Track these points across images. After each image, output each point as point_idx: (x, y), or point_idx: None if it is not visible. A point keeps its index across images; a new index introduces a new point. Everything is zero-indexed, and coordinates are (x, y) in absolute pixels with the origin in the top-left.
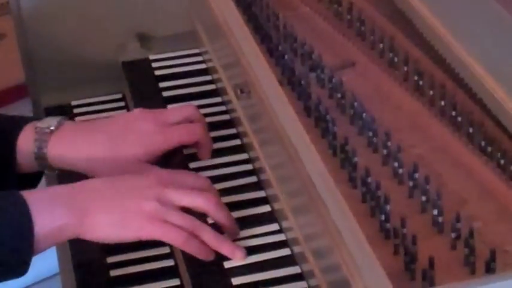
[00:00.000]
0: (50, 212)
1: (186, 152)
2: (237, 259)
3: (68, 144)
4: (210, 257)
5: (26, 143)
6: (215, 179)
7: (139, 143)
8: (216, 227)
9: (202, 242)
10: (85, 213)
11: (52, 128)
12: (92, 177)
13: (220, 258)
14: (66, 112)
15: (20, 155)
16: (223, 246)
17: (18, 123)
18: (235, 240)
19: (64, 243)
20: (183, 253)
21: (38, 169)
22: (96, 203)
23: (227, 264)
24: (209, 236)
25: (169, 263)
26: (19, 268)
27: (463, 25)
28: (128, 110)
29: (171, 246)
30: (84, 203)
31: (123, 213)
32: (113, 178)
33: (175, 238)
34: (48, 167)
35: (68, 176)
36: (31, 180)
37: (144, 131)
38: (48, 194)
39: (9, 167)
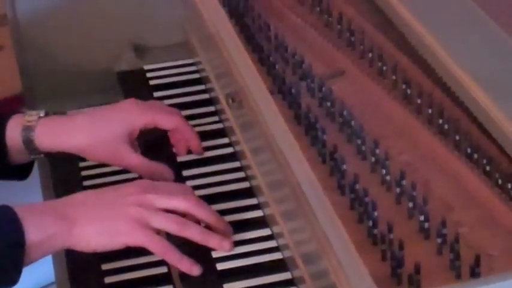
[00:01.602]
0: (40, 222)
1: (179, 159)
2: (225, 250)
3: (54, 126)
4: (194, 271)
5: (14, 128)
6: (208, 186)
7: (117, 118)
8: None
9: (186, 257)
10: (73, 223)
11: (41, 114)
12: (78, 156)
13: (213, 261)
14: None
15: (9, 141)
16: (210, 240)
17: (6, 114)
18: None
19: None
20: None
21: (27, 155)
22: (82, 214)
23: (220, 266)
24: (195, 231)
25: (163, 269)
26: (10, 277)
27: (450, 35)
28: None
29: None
30: (71, 214)
31: (109, 221)
32: (96, 190)
33: (157, 247)
34: (36, 151)
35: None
36: (22, 171)
37: (124, 108)
38: (37, 207)
39: (1, 155)
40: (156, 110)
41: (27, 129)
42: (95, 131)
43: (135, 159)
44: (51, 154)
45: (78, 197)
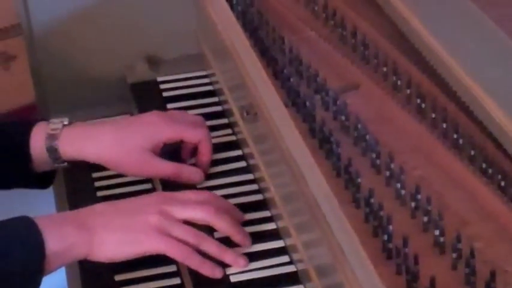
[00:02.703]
0: (59, 232)
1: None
2: (239, 267)
3: (78, 135)
4: (216, 274)
5: (39, 136)
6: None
7: (143, 130)
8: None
9: (207, 259)
10: (93, 232)
11: (65, 122)
12: (93, 166)
13: (226, 275)
14: None
15: (33, 149)
16: (226, 255)
17: (30, 122)
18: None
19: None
20: (190, 271)
21: (51, 163)
22: (102, 224)
23: (233, 278)
24: (212, 246)
25: (176, 281)
26: (31, 286)
27: (464, 49)
28: None
29: (177, 264)
30: (91, 224)
31: (128, 230)
32: (116, 201)
33: (178, 252)
34: (60, 159)
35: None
36: (45, 179)
37: (150, 121)
38: (57, 217)
39: (24, 163)
40: (182, 123)
41: (51, 137)
42: (119, 143)
43: (167, 167)
44: (74, 163)
45: (98, 207)
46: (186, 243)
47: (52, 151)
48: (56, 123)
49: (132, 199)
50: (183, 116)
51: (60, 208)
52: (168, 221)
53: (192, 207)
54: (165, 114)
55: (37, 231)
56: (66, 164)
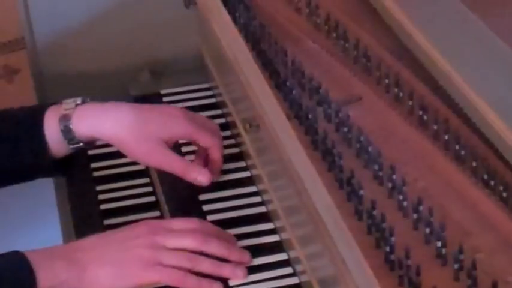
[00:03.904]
0: (51, 269)
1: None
2: (239, 278)
3: (92, 112)
4: None
5: (52, 119)
6: (224, 211)
7: (163, 119)
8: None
9: (202, 277)
10: (84, 268)
11: (78, 102)
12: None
13: None
14: None
15: (48, 133)
16: (223, 270)
17: (43, 106)
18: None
19: None
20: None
21: (67, 146)
22: (93, 259)
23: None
24: (206, 265)
25: None
26: None
27: (466, 61)
28: None
29: None
30: (82, 259)
31: (121, 265)
32: (105, 234)
33: (173, 279)
34: (75, 140)
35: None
36: (62, 167)
37: (171, 112)
38: (47, 252)
39: (41, 149)
40: (200, 125)
41: (65, 117)
42: (138, 125)
43: (177, 161)
44: (90, 144)
45: (88, 241)
46: (180, 268)
47: (66, 131)
48: (69, 103)
49: (121, 230)
50: (202, 118)
51: (63, 221)
52: (159, 251)
53: (181, 236)
54: (186, 111)
55: (29, 268)
56: (81, 144)
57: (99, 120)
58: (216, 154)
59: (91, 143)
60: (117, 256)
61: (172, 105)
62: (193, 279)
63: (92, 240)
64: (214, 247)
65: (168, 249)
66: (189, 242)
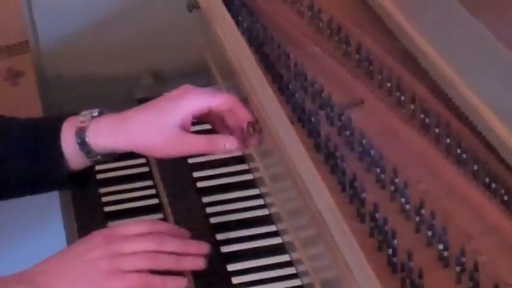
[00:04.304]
0: None
1: (199, 185)
2: (200, 268)
3: (107, 124)
4: (180, 284)
5: (68, 131)
6: (227, 213)
7: (168, 106)
8: None
9: (168, 278)
10: None
11: (94, 114)
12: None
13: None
14: None
15: (65, 145)
16: (184, 263)
17: (59, 117)
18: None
19: None
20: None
21: (85, 159)
22: (55, 278)
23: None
24: (167, 260)
25: None
26: None
27: (468, 65)
28: None
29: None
30: (45, 282)
31: (81, 281)
32: (62, 251)
33: (136, 281)
34: (92, 153)
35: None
36: (82, 180)
37: (174, 95)
38: (9, 279)
39: (58, 162)
40: (208, 91)
41: (80, 130)
42: (147, 125)
43: (200, 141)
44: (109, 156)
45: (46, 263)
46: (142, 270)
47: (82, 144)
48: (85, 115)
49: (78, 244)
50: (212, 88)
51: (67, 225)
52: (118, 258)
53: (136, 240)
54: (191, 86)
55: None
56: (99, 157)
57: (112, 133)
58: (240, 109)
59: (110, 156)
60: (79, 272)
61: (183, 85)
62: (157, 279)
63: (50, 262)
64: (171, 245)
65: (127, 255)
66: (145, 245)
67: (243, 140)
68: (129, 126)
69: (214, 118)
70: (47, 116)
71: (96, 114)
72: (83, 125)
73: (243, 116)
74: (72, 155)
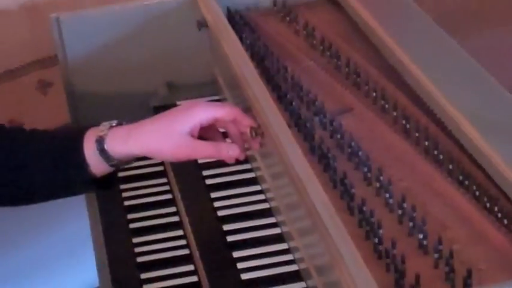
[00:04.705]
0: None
1: (208, 182)
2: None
3: (123, 133)
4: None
5: (90, 140)
6: (233, 207)
7: (178, 116)
8: None
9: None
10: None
11: (113, 124)
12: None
13: (238, 271)
14: None
15: (87, 153)
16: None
17: (82, 129)
18: None
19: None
20: (206, 269)
21: (106, 165)
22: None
23: (243, 276)
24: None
25: (193, 279)
26: None
27: (443, 77)
28: None
29: (195, 263)
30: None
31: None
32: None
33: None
34: (112, 159)
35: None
36: (106, 184)
37: (184, 107)
38: None
39: (83, 169)
40: (213, 104)
41: (100, 139)
42: (158, 132)
43: (206, 147)
44: (127, 162)
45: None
46: None
47: (102, 151)
48: (104, 126)
49: None
50: (216, 102)
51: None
52: None
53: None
54: (198, 100)
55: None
56: (117, 162)
57: (127, 140)
58: (243, 118)
59: (127, 161)
60: None
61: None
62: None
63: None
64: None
65: None
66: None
67: (243, 148)
68: (142, 134)
69: (214, 133)
70: (71, 127)
71: (115, 124)
72: (102, 134)
73: (246, 122)
74: (94, 161)
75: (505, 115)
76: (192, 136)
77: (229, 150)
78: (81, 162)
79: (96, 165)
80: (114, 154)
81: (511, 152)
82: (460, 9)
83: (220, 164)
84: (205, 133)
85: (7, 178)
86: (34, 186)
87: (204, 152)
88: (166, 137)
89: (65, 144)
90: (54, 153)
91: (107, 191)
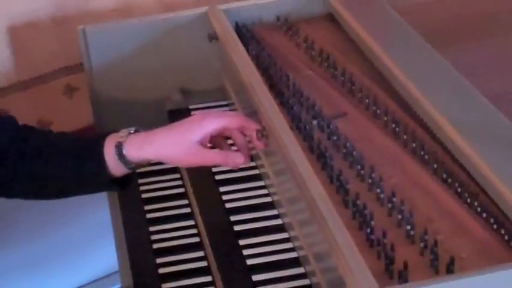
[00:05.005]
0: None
1: (217, 178)
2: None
3: (139, 139)
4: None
5: (110, 145)
6: (239, 200)
7: (190, 126)
8: None
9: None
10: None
11: (131, 131)
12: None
13: (244, 257)
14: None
15: (107, 157)
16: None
17: (103, 134)
18: None
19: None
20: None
21: (124, 168)
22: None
23: (249, 262)
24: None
25: (203, 264)
26: None
27: (429, 85)
28: None
29: (205, 250)
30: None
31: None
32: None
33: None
34: (129, 162)
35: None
36: (124, 183)
37: (195, 118)
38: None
39: (103, 171)
40: (221, 114)
41: (119, 144)
42: (171, 140)
43: (214, 155)
44: (143, 165)
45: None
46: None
47: (120, 155)
48: (123, 132)
49: None
50: (224, 111)
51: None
52: None
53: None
54: (208, 111)
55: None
56: (134, 165)
57: (143, 146)
58: (250, 123)
59: (143, 165)
60: None
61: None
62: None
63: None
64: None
65: None
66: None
67: (248, 155)
68: (156, 142)
69: (221, 141)
70: (93, 134)
71: (133, 131)
72: (121, 140)
73: (253, 127)
74: (113, 164)
75: (483, 119)
76: (202, 145)
77: (235, 158)
78: (100, 163)
79: (115, 167)
80: (131, 158)
81: (490, 153)
82: (444, 27)
83: None
84: (214, 140)
85: (35, 174)
86: (57, 183)
87: (213, 160)
88: (178, 145)
89: (88, 147)
90: (78, 156)
91: (125, 190)
